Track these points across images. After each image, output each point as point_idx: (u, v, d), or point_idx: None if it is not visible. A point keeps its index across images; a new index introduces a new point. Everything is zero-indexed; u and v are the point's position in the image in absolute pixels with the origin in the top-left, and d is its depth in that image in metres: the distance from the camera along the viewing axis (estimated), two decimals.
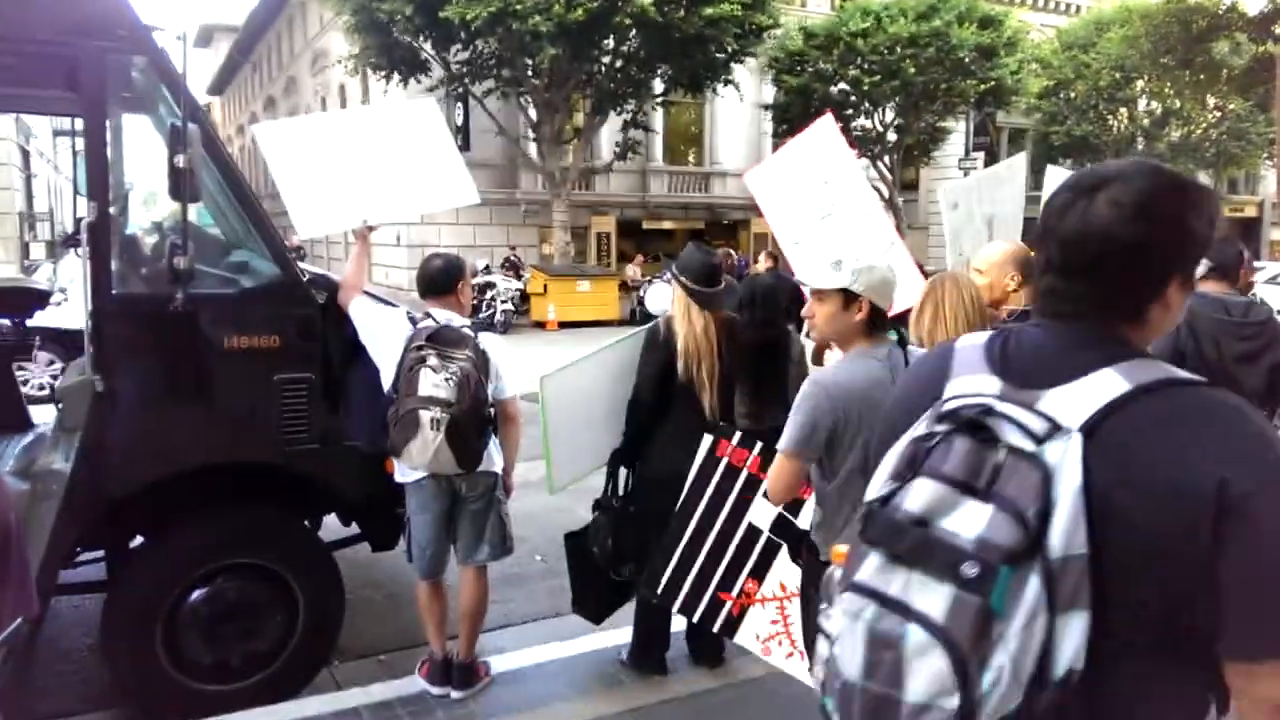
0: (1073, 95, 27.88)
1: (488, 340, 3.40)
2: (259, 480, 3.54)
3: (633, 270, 22.75)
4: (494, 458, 3.47)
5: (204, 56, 50.38)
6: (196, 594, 3.38)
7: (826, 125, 4.27)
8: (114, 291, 3.13)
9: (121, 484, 3.16)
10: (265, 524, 3.60)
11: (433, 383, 3.14)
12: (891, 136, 24.91)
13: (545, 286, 19.82)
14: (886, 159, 25.19)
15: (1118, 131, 28.62)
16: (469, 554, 3.53)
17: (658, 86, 21.62)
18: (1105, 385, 1.10)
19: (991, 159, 31.06)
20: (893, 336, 2.52)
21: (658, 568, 3.26)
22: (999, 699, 1.00)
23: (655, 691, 3.66)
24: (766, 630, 3.14)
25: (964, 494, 1.07)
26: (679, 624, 3.87)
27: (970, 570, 1.02)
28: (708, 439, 3.22)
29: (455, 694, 3.56)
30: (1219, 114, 27.22)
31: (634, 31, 18.56)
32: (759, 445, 3.11)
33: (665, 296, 3.64)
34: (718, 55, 19.94)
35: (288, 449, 3.41)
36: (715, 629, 3.26)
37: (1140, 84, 26.59)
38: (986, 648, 1.01)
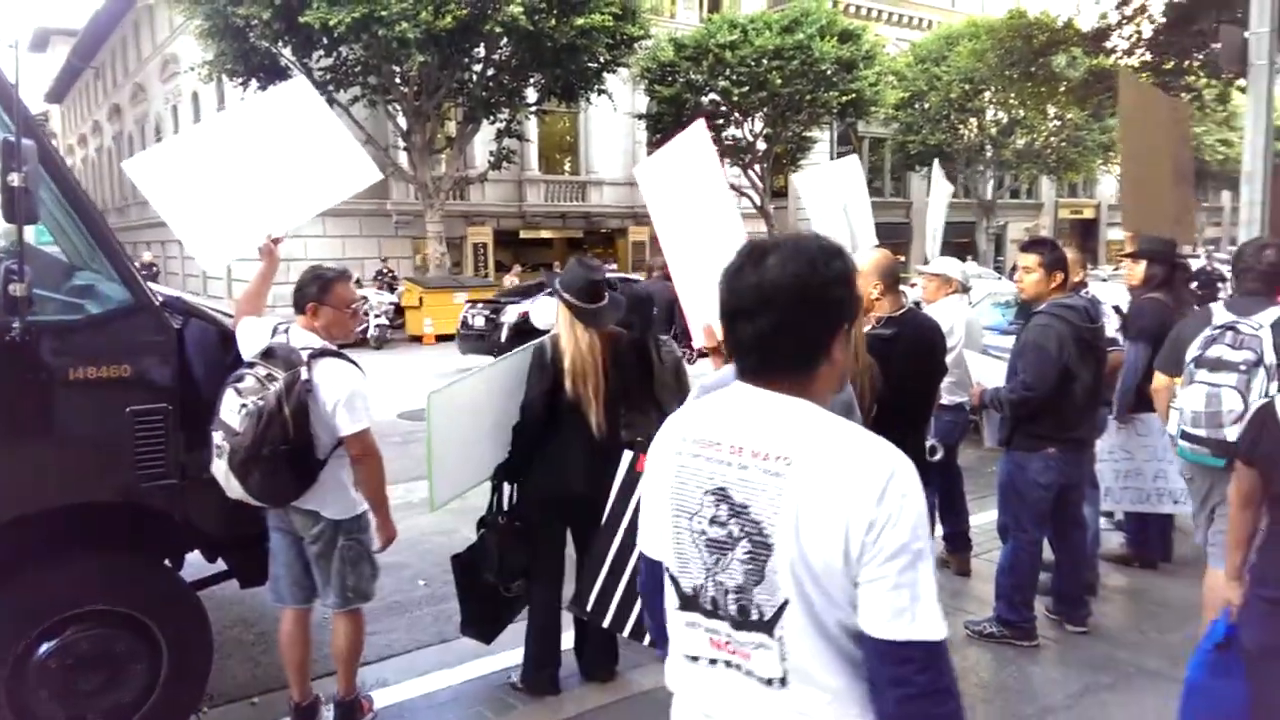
0: (927, 106, 29.37)
1: (329, 370, 3.10)
2: (113, 520, 3.28)
3: (510, 281, 22.49)
4: (336, 499, 3.22)
5: (40, 62, 47.03)
6: (45, 647, 3.09)
7: (698, 132, 4.33)
8: None
9: None
10: (119, 567, 3.32)
11: (229, 406, 2.98)
12: (761, 145, 25.60)
13: (421, 299, 19.36)
14: (757, 167, 25.86)
15: (968, 140, 30.28)
16: (321, 597, 3.36)
17: (531, 95, 21.47)
18: None
19: None
20: None
21: (585, 586, 3.21)
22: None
23: (549, 713, 3.60)
24: None
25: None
26: (567, 641, 3.83)
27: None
28: (628, 455, 3.18)
29: None
30: (1059, 123, 29.14)
31: (505, 40, 18.40)
32: None
33: (551, 311, 3.57)
34: (590, 65, 19.98)
35: (144, 485, 3.17)
36: (646, 642, 3.22)
37: (988, 95, 28.21)
38: None
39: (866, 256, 3.58)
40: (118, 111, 38.11)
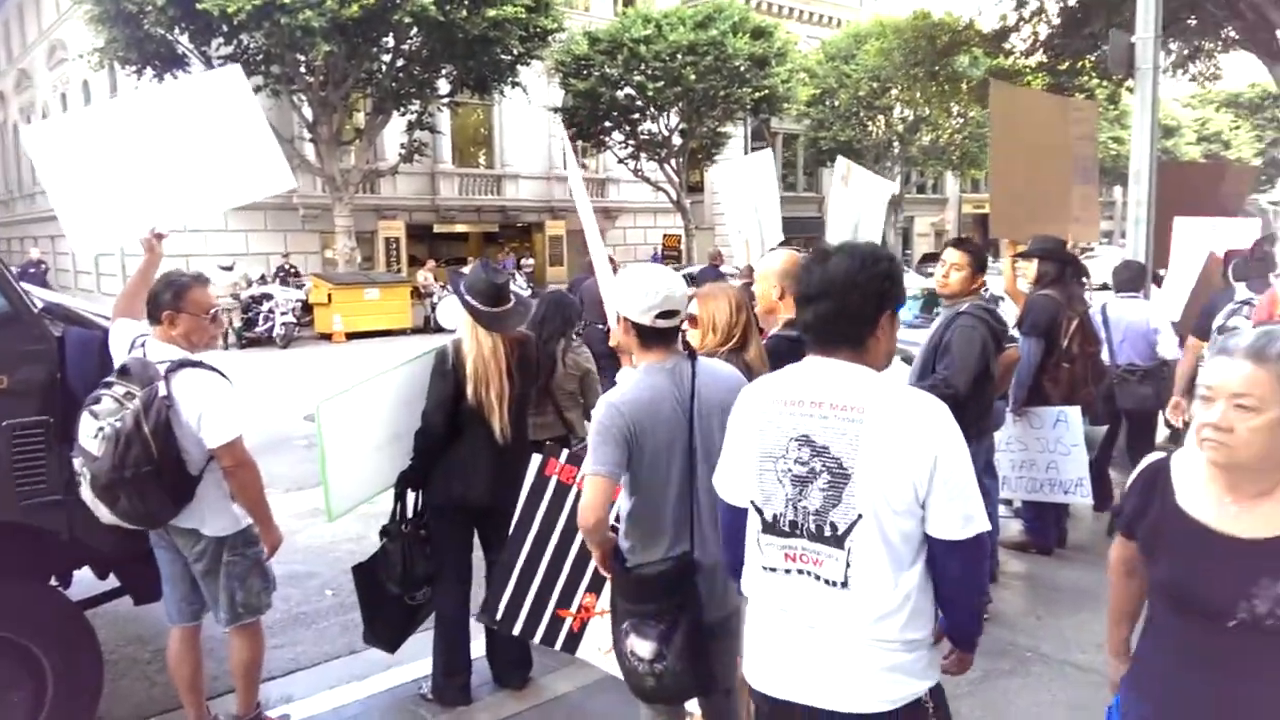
0: (837, 103, 29.95)
1: (189, 381, 2.94)
2: None
3: (424, 276, 22.10)
4: (216, 514, 3.10)
5: None
6: None
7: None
8: None
9: None
10: None
11: (86, 431, 2.84)
12: (676, 140, 25.72)
13: (329, 296, 18.86)
14: (673, 162, 25.98)
15: (876, 136, 31.01)
16: (214, 614, 3.24)
17: (443, 87, 21.10)
18: None
19: None
20: (681, 350, 2.56)
21: (494, 594, 3.13)
22: None
23: None
24: (608, 642, 3.10)
25: None
26: (479, 649, 3.77)
27: None
28: (536, 458, 3.12)
29: None
30: (962, 120, 30.08)
31: (415, 30, 18.01)
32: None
33: (457, 312, 3.50)
34: (503, 57, 19.73)
35: (24, 503, 3.00)
36: (558, 647, 3.17)
37: (894, 93, 28.92)
38: None
39: (770, 259, 3.59)
40: (1, 99, 36.03)
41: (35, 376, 3.00)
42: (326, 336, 18.73)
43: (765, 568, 1.89)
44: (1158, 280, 7.34)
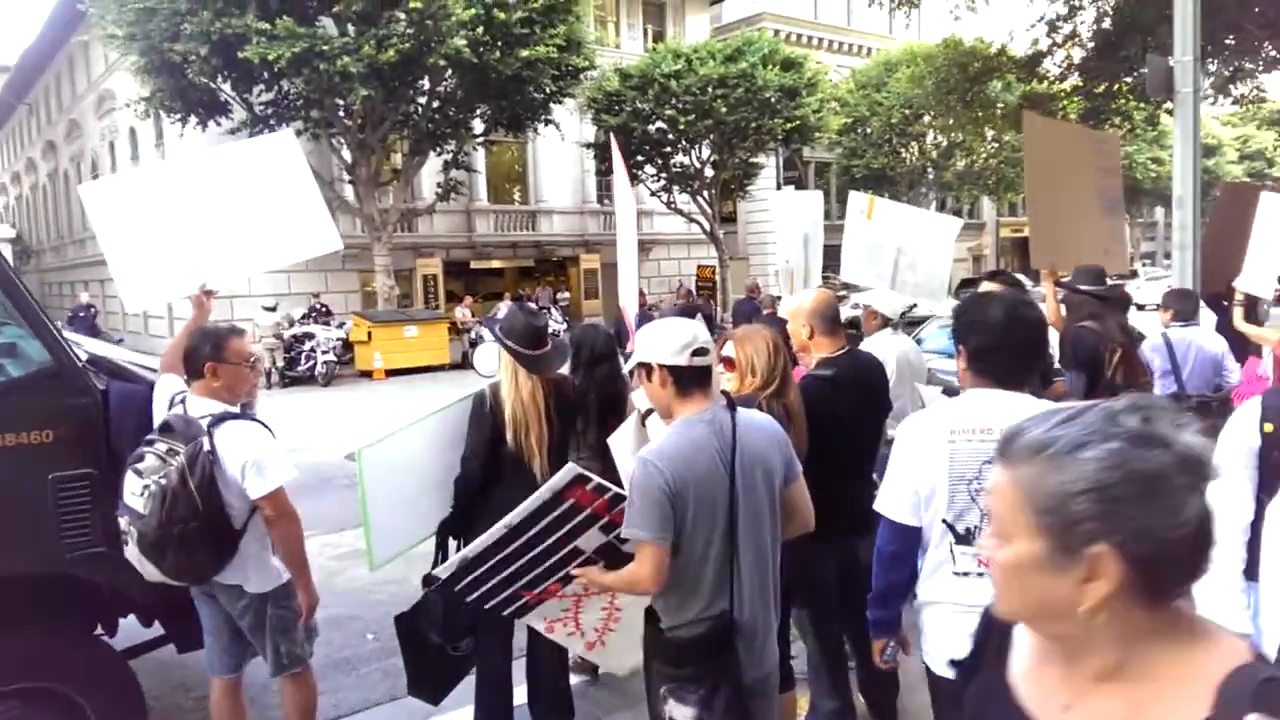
0: (869, 131, 29.91)
1: (233, 434, 2.97)
2: (35, 592, 3.12)
3: (462, 312, 22.31)
4: (258, 569, 3.12)
5: None
6: None
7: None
8: None
9: None
10: (40, 641, 3.15)
11: (131, 489, 2.86)
12: (709, 172, 25.81)
13: (369, 334, 19.08)
14: (705, 194, 26.06)
15: (910, 163, 30.90)
16: (263, 660, 3.25)
17: (478, 126, 21.42)
18: None
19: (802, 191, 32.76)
20: (721, 399, 2.46)
21: (466, 569, 2.80)
22: None
23: None
24: (555, 614, 2.94)
25: None
26: (520, 696, 3.72)
27: None
28: (567, 472, 2.83)
29: None
30: (997, 144, 29.88)
31: (450, 72, 18.34)
32: (610, 493, 2.86)
33: (494, 357, 3.49)
34: (536, 96, 20.00)
35: (69, 555, 3.02)
36: (504, 613, 2.93)
37: (927, 119, 28.83)
38: None
39: (800, 298, 3.56)
40: (52, 148, 37.20)
41: (80, 430, 3.04)
42: (367, 374, 18.92)
43: (957, 573, 2.20)
44: (1209, 303, 7.14)
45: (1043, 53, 16.41)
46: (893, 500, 2.31)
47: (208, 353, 3.09)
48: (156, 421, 3.10)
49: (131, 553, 2.90)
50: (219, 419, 2.97)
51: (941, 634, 2.27)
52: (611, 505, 2.81)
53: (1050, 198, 5.89)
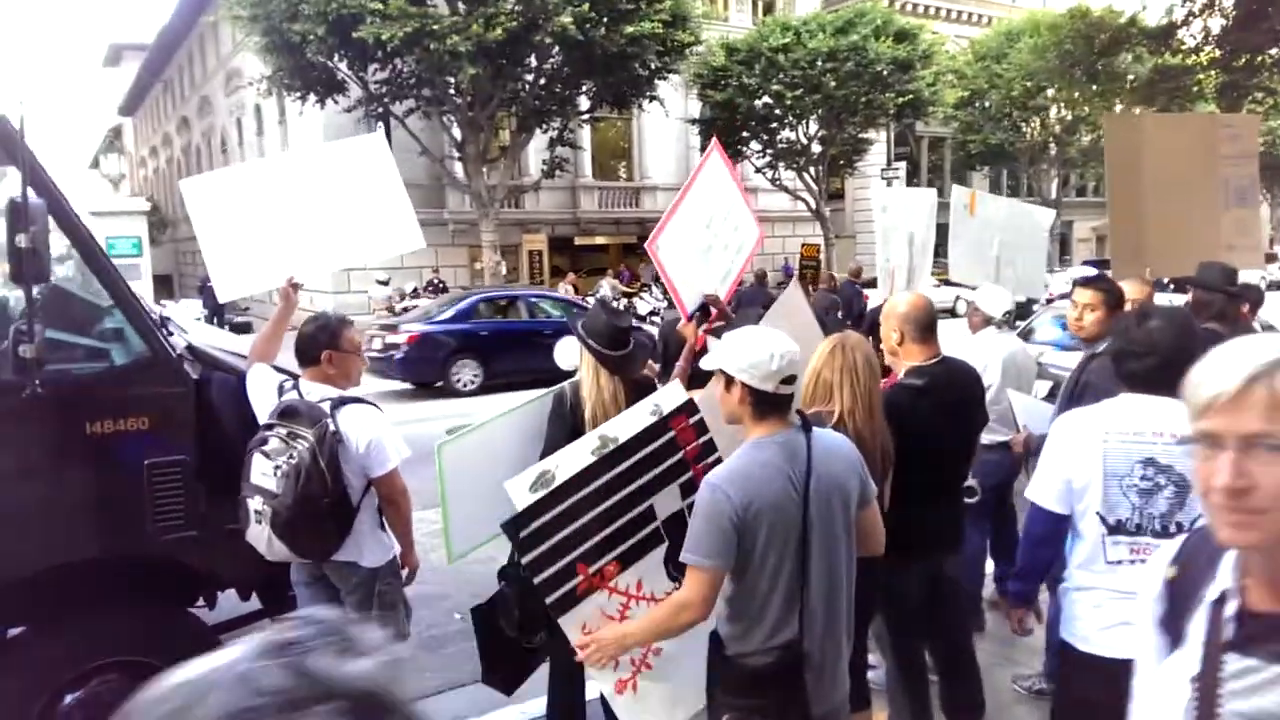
0: (987, 105, 28.65)
1: (354, 415, 3.10)
2: (131, 572, 3.28)
3: (565, 288, 22.55)
4: (371, 546, 3.22)
5: (113, 76, 48.77)
6: (68, 699, 3.11)
7: (715, 162, 4.24)
8: None
9: None
10: (139, 617, 3.32)
11: (260, 470, 2.95)
12: (816, 148, 25.22)
13: None
14: (812, 170, 25.50)
15: (1031, 138, 29.47)
16: None
17: (583, 103, 21.49)
18: None
19: (913, 168, 31.73)
20: (795, 420, 2.33)
21: (542, 505, 2.63)
22: None
23: None
24: (596, 623, 2.67)
25: None
26: (593, 690, 3.71)
27: None
28: (673, 394, 2.76)
29: None
30: None
31: (556, 50, 18.42)
32: (707, 437, 2.76)
33: (574, 352, 3.46)
34: (641, 72, 19.90)
35: (163, 538, 3.16)
36: (548, 599, 2.66)
37: (1050, 92, 27.40)
38: None
39: (894, 302, 3.38)
40: (186, 124, 39.28)
41: (174, 418, 3.16)
42: None
43: (1109, 562, 2.38)
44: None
45: (1177, 23, 15.30)
46: (1044, 489, 2.49)
47: (325, 340, 3.20)
48: (261, 409, 3.20)
49: (258, 533, 2.98)
50: (340, 401, 3.11)
51: (1093, 617, 2.44)
52: (700, 455, 2.71)
53: (1138, 204, 5.49)
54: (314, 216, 3.52)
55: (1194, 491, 1.90)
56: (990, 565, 4.81)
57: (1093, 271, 7.43)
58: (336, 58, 18.56)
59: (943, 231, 6.22)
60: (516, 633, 3.47)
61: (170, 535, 3.17)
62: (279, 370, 3.46)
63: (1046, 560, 2.60)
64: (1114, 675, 2.41)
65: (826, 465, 2.28)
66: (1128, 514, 2.36)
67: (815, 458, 2.25)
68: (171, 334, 3.62)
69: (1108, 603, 2.39)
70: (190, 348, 3.40)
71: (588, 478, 2.63)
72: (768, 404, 2.27)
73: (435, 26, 16.31)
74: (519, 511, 2.64)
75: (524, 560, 2.70)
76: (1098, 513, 2.39)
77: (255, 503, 3.00)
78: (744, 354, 2.26)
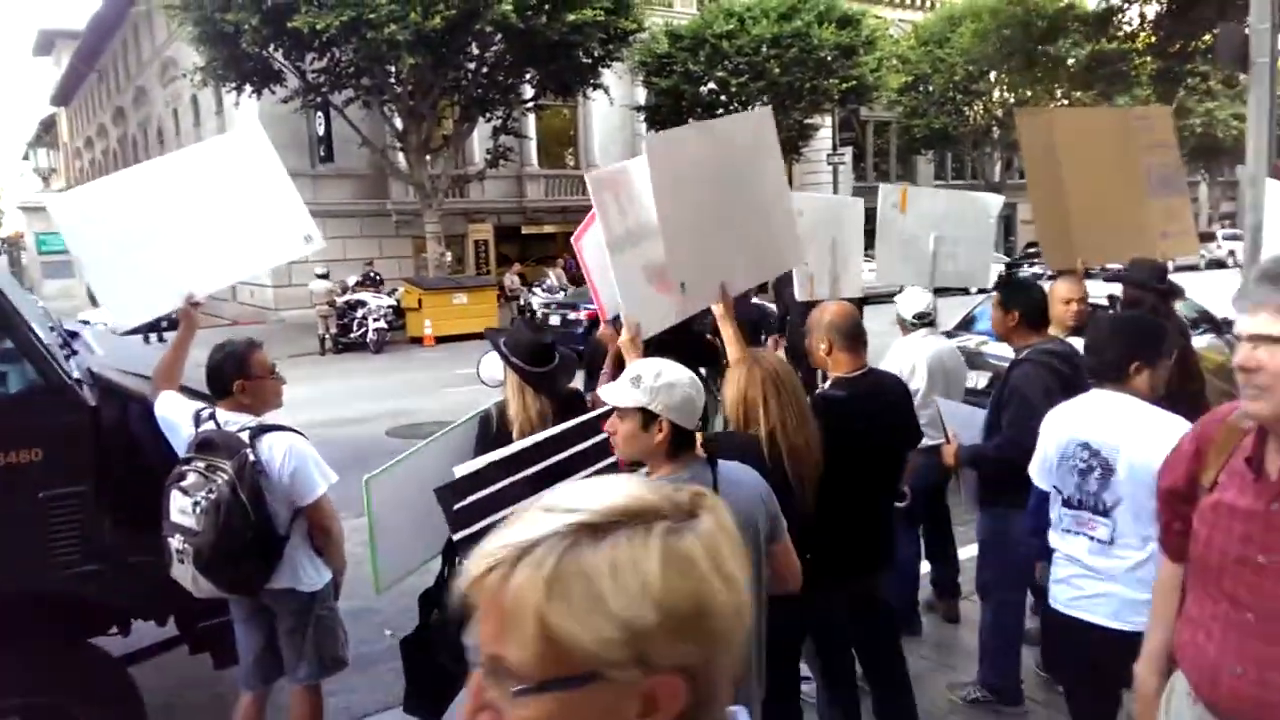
0: (931, 89, 28.92)
1: (275, 444, 3.00)
2: (30, 609, 3.13)
3: (511, 279, 22.35)
4: (307, 570, 3.15)
5: (44, 65, 47.15)
6: None
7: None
8: None
9: None
10: (41, 653, 3.16)
11: (179, 508, 2.86)
12: None
13: (420, 301, 19.19)
14: None
15: (974, 122, 29.82)
16: (291, 672, 3.25)
17: (527, 91, 21.24)
18: None
19: (859, 153, 31.90)
20: (701, 455, 2.28)
21: (475, 480, 2.63)
22: None
23: None
24: None
25: None
26: None
27: None
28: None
29: None
30: (1067, 101, 28.66)
31: (497, 38, 18.15)
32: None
33: (498, 366, 3.37)
34: (584, 60, 19.72)
35: (63, 573, 3.02)
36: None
37: (993, 76, 27.73)
38: None
39: (819, 311, 3.34)
40: (121, 114, 38.11)
41: (71, 448, 3.01)
42: (418, 340, 19.07)
43: (1064, 530, 2.75)
44: None
45: (1114, 9, 15.55)
46: (1033, 467, 2.87)
47: (232, 370, 3.09)
48: (177, 440, 3.08)
49: (182, 572, 2.89)
50: (260, 430, 3.01)
51: (1053, 573, 2.83)
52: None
53: (1056, 196, 5.47)
54: (200, 225, 3.32)
55: (1114, 478, 2.58)
56: (926, 566, 4.83)
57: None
58: (272, 48, 18.09)
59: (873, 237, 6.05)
60: (452, 663, 3.39)
61: (70, 570, 3.03)
62: (192, 393, 3.32)
63: (1044, 525, 2.88)
64: (1067, 626, 2.86)
65: (733, 499, 2.21)
66: (1072, 491, 2.71)
67: (721, 492, 2.19)
68: (75, 353, 3.46)
69: (1062, 563, 2.77)
70: (90, 372, 3.24)
71: (523, 462, 2.63)
72: (686, 442, 2.22)
73: (372, 15, 15.97)
74: (455, 479, 2.64)
75: (455, 538, 2.68)
76: (1055, 486, 2.77)
77: (176, 541, 2.90)
78: (673, 393, 2.18)
